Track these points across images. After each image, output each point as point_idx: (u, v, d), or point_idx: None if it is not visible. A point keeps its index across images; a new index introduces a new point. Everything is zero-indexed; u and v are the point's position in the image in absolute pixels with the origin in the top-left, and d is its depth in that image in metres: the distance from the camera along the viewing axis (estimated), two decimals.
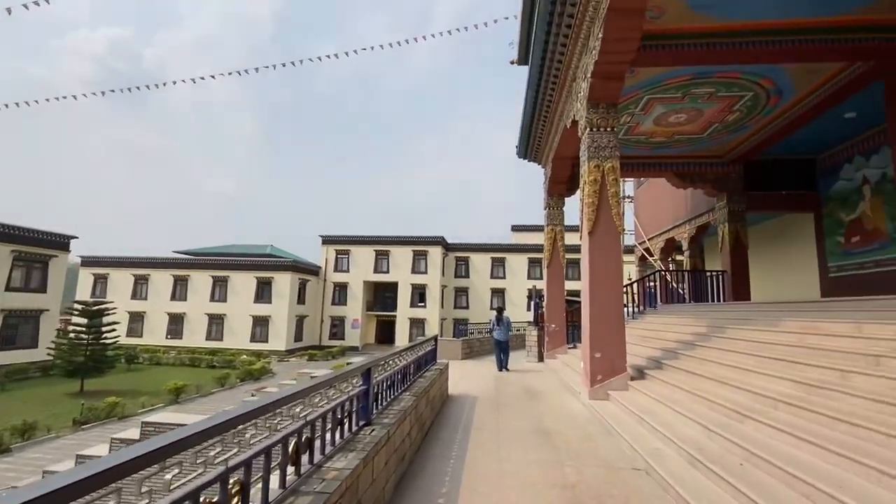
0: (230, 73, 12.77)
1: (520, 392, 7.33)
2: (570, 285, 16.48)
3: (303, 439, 2.27)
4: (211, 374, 24.45)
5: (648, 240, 16.48)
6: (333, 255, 37.97)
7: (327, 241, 38.17)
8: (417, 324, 35.36)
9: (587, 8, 6.07)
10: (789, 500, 2.63)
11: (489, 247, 38.71)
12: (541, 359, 11.51)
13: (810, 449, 2.95)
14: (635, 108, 8.85)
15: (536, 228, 40.51)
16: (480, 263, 38.46)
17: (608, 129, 6.60)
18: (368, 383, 3.32)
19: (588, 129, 6.63)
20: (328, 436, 2.64)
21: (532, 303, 12.40)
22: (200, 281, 34.64)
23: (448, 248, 38.75)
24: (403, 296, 35.86)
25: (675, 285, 14.06)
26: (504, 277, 37.96)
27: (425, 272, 35.99)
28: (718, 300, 11.49)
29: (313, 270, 37.55)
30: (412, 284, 35.90)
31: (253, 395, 12.49)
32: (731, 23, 6.32)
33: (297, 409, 2.35)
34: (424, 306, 35.41)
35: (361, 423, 3.27)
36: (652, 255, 16.15)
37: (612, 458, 4.07)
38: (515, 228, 42.72)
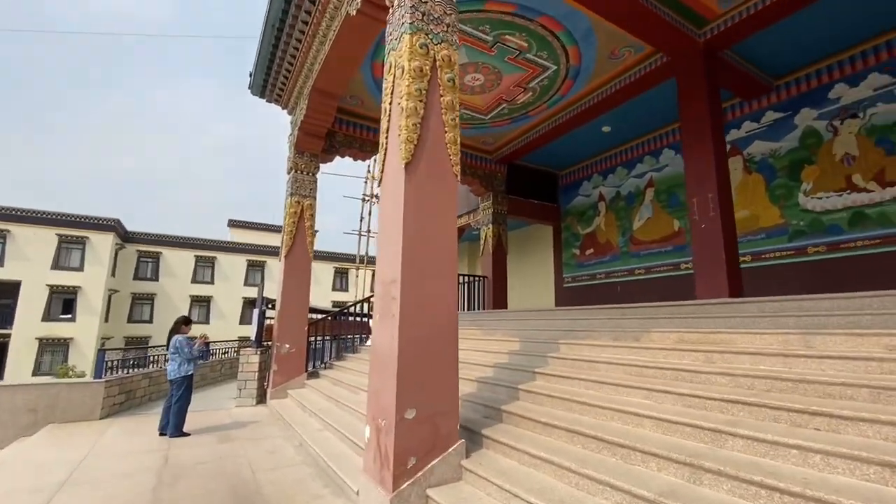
0: None
1: None
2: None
3: None
4: None
5: None
6: None
7: None
8: (55, 347, 23.23)
9: None
10: None
11: (192, 242, 30.03)
12: (261, 399, 7.38)
13: None
14: None
15: (262, 227, 34.75)
16: (179, 262, 29.27)
17: None
18: None
19: None
20: None
21: (255, 312, 8.16)
22: None
23: (127, 237, 27.89)
24: (32, 302, 23.03)
25: None
26: (212, 282, 30.08)
27: (80, 268, 24.32)
28: (476, 308, 10.38)
29: None
30: (52, 286, 23.56)
31: None
32: None
33: None
34: (73, 319, 23.67)
35: None
36: None
37: None
38: (234, 224, 35.07)
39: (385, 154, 3.51)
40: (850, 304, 3.16)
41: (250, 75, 8.07)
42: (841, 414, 2.15)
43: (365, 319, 10.13)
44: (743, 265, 7.40)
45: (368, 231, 14.35)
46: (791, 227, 6.96)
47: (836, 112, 6.61)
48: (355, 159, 8.43)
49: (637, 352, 3.78)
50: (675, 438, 2.59)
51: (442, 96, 3.47)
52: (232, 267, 30.84)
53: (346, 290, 32.88)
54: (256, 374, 7.37)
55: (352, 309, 9.67)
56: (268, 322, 8.43)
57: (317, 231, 8.07)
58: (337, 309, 10.65)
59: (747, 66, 6.90)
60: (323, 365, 8.14)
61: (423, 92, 3.36)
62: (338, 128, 8.18)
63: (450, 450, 3.03)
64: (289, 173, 8.01)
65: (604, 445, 2.72)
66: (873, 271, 5.99)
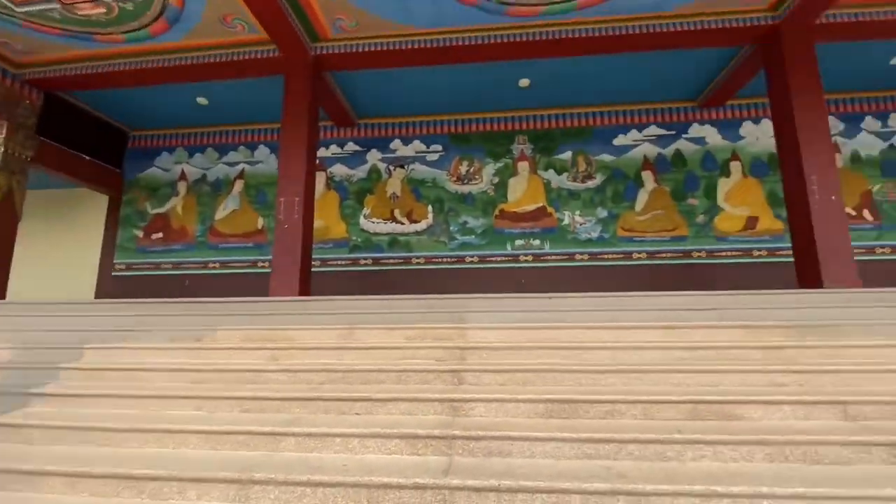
0: None
1: None
2: None
3: None
4: None
5: None
6: None
7: None
8: None
9: None
10: None
11: None
12: None
13: None
14: None
15: None
16: None
17: None
18: None
19: None
20: None
21: None
22: None
23: None
24: None
25: None
26: None
27: None
28: None
29: None
30: None
31: None
32: None
33: None
34: None
35: None
36: None
37: None
38: None
39: None
40: (389, 305, 3.93)
41: None
42: (377, 397, 2.50)
43: None
44: (313, 269, 8.24)
45: None
46: (351, 242, 8.37)
47: (392, 160, 8.61)
48: None
49: (197, 353, 3.22)
50: (227, 451, 2.25)
51: None
52: None
53: None
54: None
55: None
56: None
57: None
58: None
59: (342, 98, 7.90)
60: None
61: None
62: None
63: None
64: None
65: (126, 484, 2.01)
66: (400, 281, 8.03)
